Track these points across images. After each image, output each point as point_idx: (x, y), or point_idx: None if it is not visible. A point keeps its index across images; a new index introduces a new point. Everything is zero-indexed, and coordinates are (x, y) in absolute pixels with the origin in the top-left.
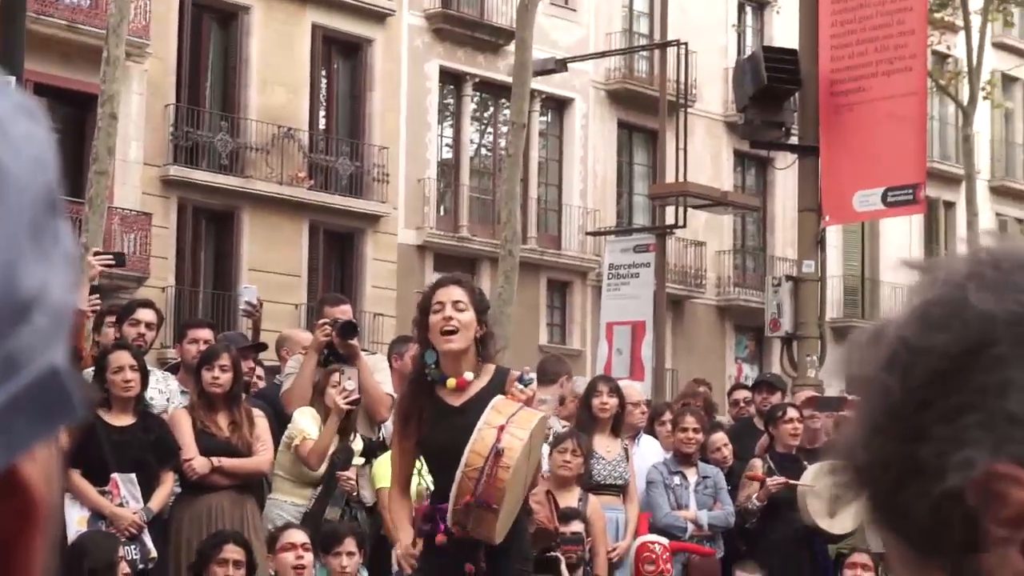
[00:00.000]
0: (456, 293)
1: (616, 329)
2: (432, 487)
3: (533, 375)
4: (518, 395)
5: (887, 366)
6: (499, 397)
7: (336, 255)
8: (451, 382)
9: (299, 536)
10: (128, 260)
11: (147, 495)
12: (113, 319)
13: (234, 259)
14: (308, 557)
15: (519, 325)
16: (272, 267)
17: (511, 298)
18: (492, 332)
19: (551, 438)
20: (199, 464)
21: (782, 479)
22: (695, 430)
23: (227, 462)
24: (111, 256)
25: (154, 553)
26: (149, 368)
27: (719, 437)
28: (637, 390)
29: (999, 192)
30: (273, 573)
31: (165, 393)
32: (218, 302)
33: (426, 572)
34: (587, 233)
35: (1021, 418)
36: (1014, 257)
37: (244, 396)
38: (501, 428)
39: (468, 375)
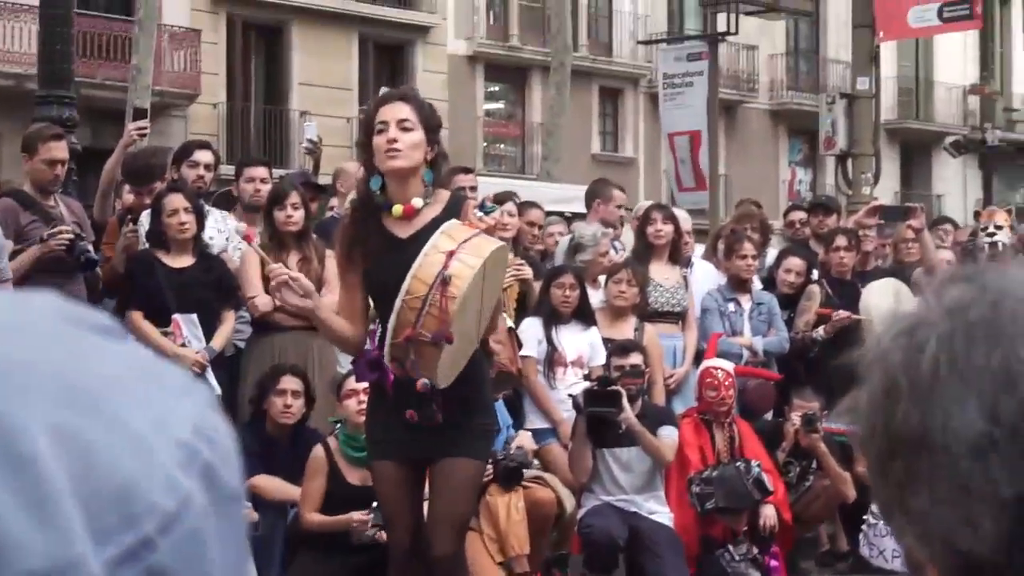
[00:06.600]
0: (402, 111)
1: (676, 140)
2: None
3: (495, 204)
4: (476, 222)
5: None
6: (452, 222)
7: (386, 67)
8: (397, 209)
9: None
10: (177, 78)
11: (209, 334)
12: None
13: (284, 74)
14: None
15: (571, 134)
16: (322, 81)
17: (563, 109)
18: (445, 153)
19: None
20: (262, 302)
21: (846, 313)
22: (754, 256)
23: None
24: (145, 121)
25: (218, 390)
26: (207, 208)
27: (798, 263)
28: (686, 217)
29: None
30: (339, 418)
31: (224, 232)
32: (270, 117)
33: (372, 422)
34: (639, 42)
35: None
36: None
37: None
38: (450, 254)
39: (417, 201)
